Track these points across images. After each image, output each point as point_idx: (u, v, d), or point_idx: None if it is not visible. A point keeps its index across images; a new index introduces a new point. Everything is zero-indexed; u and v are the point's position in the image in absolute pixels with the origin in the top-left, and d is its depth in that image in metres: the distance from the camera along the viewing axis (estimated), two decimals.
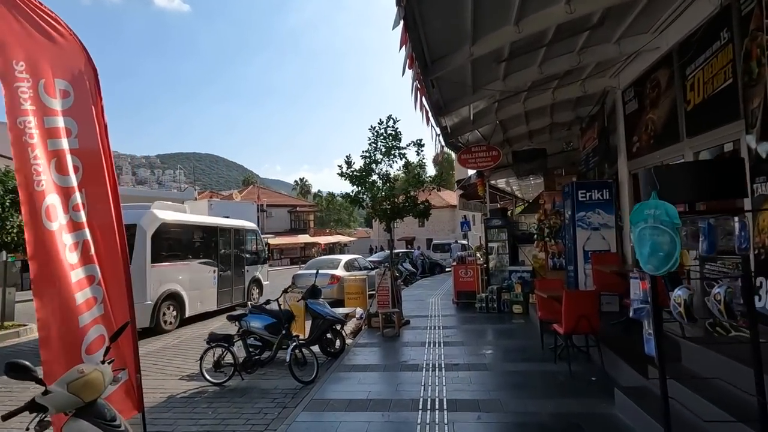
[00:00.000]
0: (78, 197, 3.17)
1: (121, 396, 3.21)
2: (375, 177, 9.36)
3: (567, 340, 5.49)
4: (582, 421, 3.99)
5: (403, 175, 9.69)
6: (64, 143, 3.15)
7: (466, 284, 10.97)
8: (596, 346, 5.49)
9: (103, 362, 2.66)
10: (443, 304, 11.35)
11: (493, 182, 13.71)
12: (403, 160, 9.30)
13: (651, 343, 2.44)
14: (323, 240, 49.07)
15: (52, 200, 2.98)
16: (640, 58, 6.39)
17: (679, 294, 2.19)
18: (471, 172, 13.71)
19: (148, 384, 6.08)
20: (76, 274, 2.99)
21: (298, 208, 51.31)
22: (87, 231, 3.18)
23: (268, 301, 6.82)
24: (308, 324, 7.20)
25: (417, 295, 13.54)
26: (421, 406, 4.56)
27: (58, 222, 2.98)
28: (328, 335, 7.13)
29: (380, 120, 9.20)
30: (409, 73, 4.35)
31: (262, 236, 15.10)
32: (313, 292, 7.23)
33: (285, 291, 7.51)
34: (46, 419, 2.33)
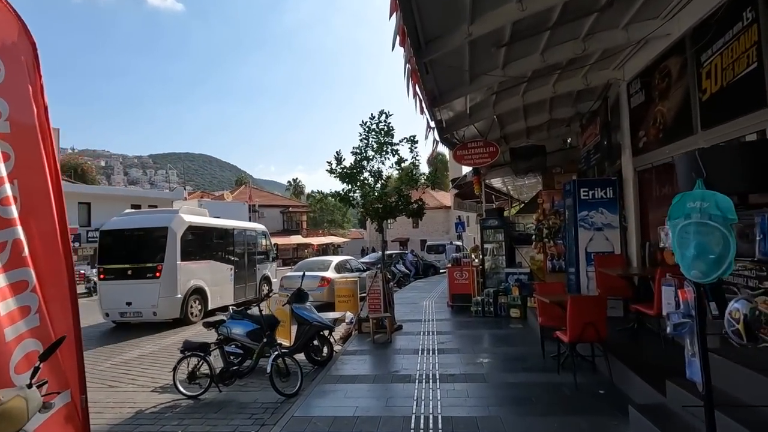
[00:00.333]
0: (8, 189, 2.68)
1: (58, 424, 2.71)
2: (366, 174, 8.92)
3: (571, 349, 5.06)
4: None
5: (396, 173, 9.26)
6: None
7: (462, 287, 10.53)
8: (603, 355, 5.06)
9: (30, 386, 2.19)
10: (437, 308, 10.91)
11: (488, 181, 13.29)
12: (396, 156, 8.88)
13: (695, 367, 2.00)
14: (316, 241, 48.50)
15: None
16: (648, 47, 5.98)
17: (736, 307, 1.77)
18: (467, 169, 13.29)
19: (117, 397, 5.61)
20: None
21: (290, 209, 50.71)
22: (19, 229, 2.69)
23: (249, 306, 6.34)
24: (295, 329, 6.72)
25: (410, 298, 13.09)
26: (413, 425, 4.10)
27: None
28: (315, 342, 6.67)
29: (372, 115, 8.76)
30: (401, 53, 3.90)
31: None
32: (299, 295, 6.76)
33: (267, 295, 7.03)
34: None
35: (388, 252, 22.89)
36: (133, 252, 10.51)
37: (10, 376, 2.53)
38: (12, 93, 2.81)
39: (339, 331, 8.20)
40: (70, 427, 2.83)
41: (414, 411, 4.41)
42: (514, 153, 10.77)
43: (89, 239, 24.82)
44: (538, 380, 5.20)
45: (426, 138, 7.19)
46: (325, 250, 48.86)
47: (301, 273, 9.68)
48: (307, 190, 74.02)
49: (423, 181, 9.82)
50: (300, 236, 47.76)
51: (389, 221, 10.47)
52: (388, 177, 9.15)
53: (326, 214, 56.30)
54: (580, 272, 7.36)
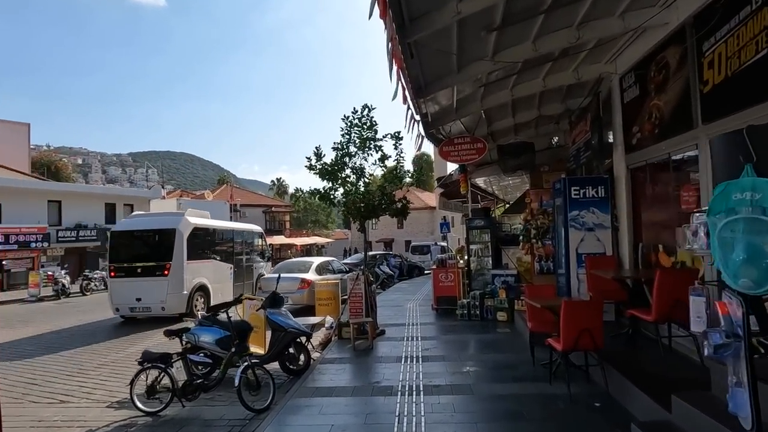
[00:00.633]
0: None
1: None
2: (348, 171, 8.49)
3: (565, 357, 4.70)
4: None
5: (379, 170, 8.85)
6: None
7: (447, 289, 10.16)
8: (599, 364, 4.72)
9: None
10: (422, 311, 10.51)
11: (473, 180, 12.97)
12: (379, 153, 8.47)
13: (740, 399, 1.62)
14: (299, 241, 47.73)
15: None
16: (644, 38, 5.69)
17: None
18: (452, 167, 12.93)
19: (66, 414, 5.05)
20: None
21: (273, 209, 49.76)
22: None
23: (218, 311, 5.83)
24: (270, 336, 6.23)
25: (394, 300, 12.68)
26: None
27: None
28: (291, 350, 6.21)
29: (354, 109, 8.35)
30: (383, 28, 3.47)
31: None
32: (274, 300, 6.29)
33: (238, 299, 6.53)
34: None
35: (371, 253, 22.44)
36: (142, 252, 11.33)
37: None
38: None
39: (318, 337, 7.74)
40: None
41: (396, 430, 3.99)
42: (503, 150, 10.45)
43: (59, 239, 23.74)
44: (528, 391, 4.83)
45: (409, 131, 6.76)
46: (309, 250, 48.12)
47: (276, 275, 9.19)
48: (291, 190, 73.03)
49: (408, 179, 9.41)
50: (283, 236, 46.91)
51: (373, 221, 10.05)
52: (371, 175, 8.75)
53: (310, 214, 55.53)
54: (571, 274, 7.04)
